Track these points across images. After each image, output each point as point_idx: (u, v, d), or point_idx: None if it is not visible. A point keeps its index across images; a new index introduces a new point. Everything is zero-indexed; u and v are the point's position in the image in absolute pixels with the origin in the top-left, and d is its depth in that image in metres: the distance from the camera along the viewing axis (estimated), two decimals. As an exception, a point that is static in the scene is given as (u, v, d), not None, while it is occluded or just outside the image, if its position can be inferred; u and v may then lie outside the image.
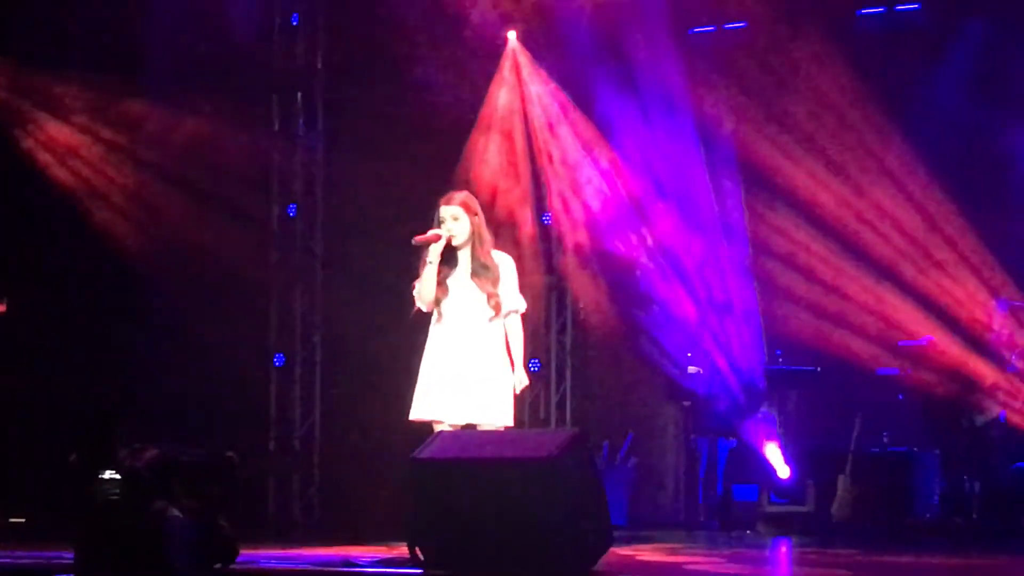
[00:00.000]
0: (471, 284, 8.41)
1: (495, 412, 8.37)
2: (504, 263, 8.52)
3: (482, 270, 8.43)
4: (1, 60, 12.60)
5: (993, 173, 12.24)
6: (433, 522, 7.55)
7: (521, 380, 8.49)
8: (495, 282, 8.43)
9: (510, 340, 8.49)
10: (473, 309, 8.41)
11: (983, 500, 11.40)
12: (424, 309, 8.47)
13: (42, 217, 12.48)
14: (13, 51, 12.54)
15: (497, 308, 8.41)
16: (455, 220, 8.43)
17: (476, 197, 8.65)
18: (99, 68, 12.71)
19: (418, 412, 8.43)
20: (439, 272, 8.38)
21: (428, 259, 8.36)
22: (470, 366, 8.35)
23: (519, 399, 8.60)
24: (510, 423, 8.43)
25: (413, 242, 8.40)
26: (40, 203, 12.51)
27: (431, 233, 8.39)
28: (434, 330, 8.49)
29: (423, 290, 8.39)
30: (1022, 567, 9.28)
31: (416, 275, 8.45)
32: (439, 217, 8.44)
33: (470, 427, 8.34)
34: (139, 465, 7.36)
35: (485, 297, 8.40)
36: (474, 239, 8.45)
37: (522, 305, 8.54)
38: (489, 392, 8.36)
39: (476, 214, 8.49)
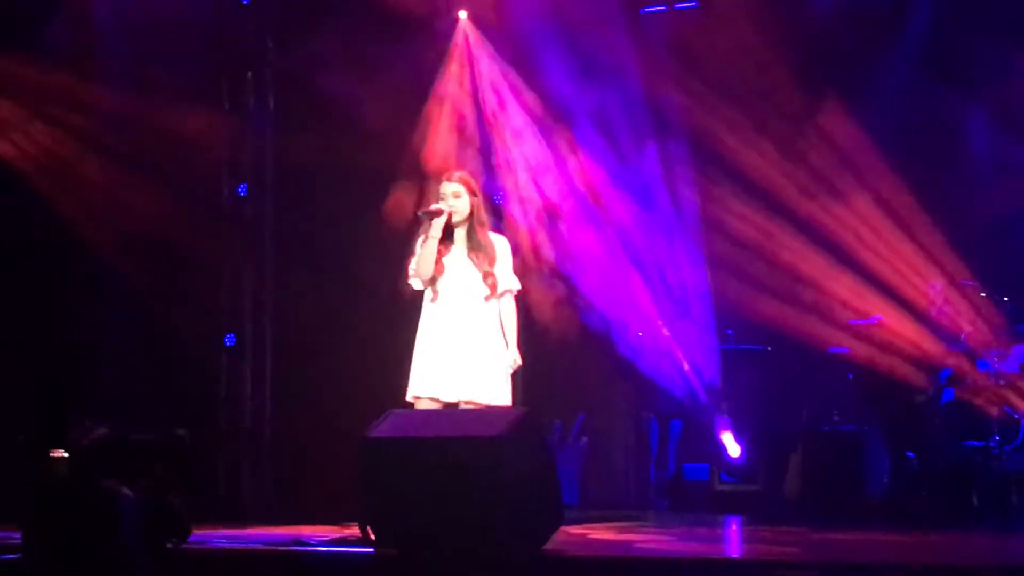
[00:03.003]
0: (467, 262, 8.46)
1: (492, 391, 8.42)
2: (500, 243, 8.57)
3: (478, 248, 8.47)
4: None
5: (944, 152, 12.32)
6: (384, 501, 7.57)
7: (515, 360, 8.54)
8: (491, 261, 8.48)
9: (504, 319, 8.55)
10: (469, 288, 8.45)
11: (934, 479, 11.48)
12: (418, 287, 8.48)
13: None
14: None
15: (493, 287, 8.46)
16: (456, 197, 8.49)
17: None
18: (46, 46, 12.62)
19: (415, 391, 8.45)
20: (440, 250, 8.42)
21: (431, 233, 8.38)
22: (467, 345, 8.39)
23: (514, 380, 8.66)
24: (507, 402, 8.48)
25: (418, 214, 8.45)
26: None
27: (435, 207, 8.41)
28: (429, 309, 8.51)
29: (422, 265, 8.41)
30: (969, 544, 9.36)
31: (410, 252, 8.46)
32: (440, 193, 8.48)
33: (467, 404, 8.36)
34: (88, 444, 7.35)
35: (481, 276, 8.44)
36: (472, 218, 8.49)
37: (517, 285, 8.61)
38: (486, 371, 8.42)
39: (476, 194, 8.55)
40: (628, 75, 12.50)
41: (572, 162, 12.79)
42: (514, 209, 12.83)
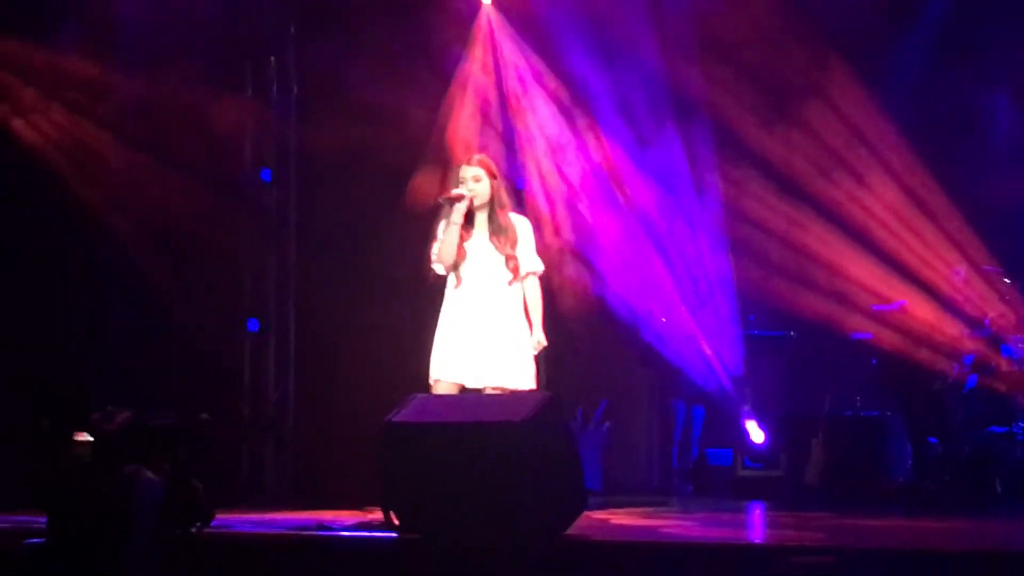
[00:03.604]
0: (489, 246, 8.42)
1: (517, 376, 8.40)
2: (521, 225, 8.54)
3: (500, 232, 8.44)
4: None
5: (968, 137, 12.28)
6: (407, 486, 7.57)
7: (540, 342, 8.52)
8: (513, 244, 8.45)
9: (528, 302, 8.52)
10: (492, 272, 8.42)
11: (957, 464, 11.45)
12: (442, 272, 8.46)
13: (10, 184, 12.40)
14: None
15: (516, 271, 8.42)
16: (476, 181, 8.46)
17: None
18: (67, 32, 12.63)
19: (438, 374, 8.43)
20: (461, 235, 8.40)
21: (452, 219, 8.35)
22: (491, 329, 8.37)
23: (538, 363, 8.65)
24: (532, 386, 8.46)
25: (440, 200, 8.42)
26: (6, 170, 12.42)
27: (455, 193, 8.38)
28: (452, 294, 8.49)
29: (444, 251, 8.37)
30: (992, 530, 9.34)
31: (432, 236, 8.44)
32: (460, 178, 8.45)
33: (493, 391, 8.35)
34: (111, 428, 7.37)
35: (503, 259, 8.41)
36: (493, 201, 8.46)
37: (540, 267, 8.56)
38: (510, 355, 8.40)
39: (495, 176, 8.52)
40: (650, 59, 12.47)
41: (594, 146, 12.77)
42: (536, 193, 12.82)
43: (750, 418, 12.58)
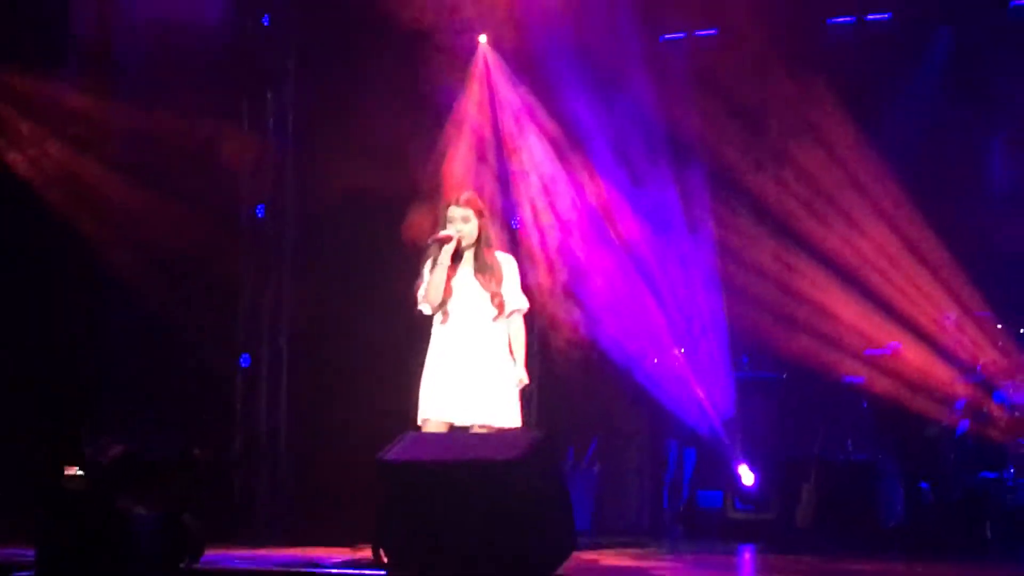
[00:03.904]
0: (474, 283, 8.41)
1: (503, 413, 8.37)
2: (507, 262, 8.54)
3: (486, 269, 8.43)
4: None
5: (962, 182, 12.31)
6: (398, 523, 7.55)
7: (522, 379, 8.51)
8: (499, 281, 8.43)
9: (512, 339, 8.51)
10: (477, 309, 8.41)
11: (948, 509, 11.45)
12: (429, 312, 8.46)
13: (7, 217, 12.41)
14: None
15: (501, 307, 8.41)
16: (465, 221, 8.44)
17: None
18: (66, 66, 12.67)
19: (426, 413, 8.42)
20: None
21: (440, 260, 8.33)
22: (478, 367, 8.35)
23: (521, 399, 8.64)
24: (518, 423, 8.45)
25: (428, 242, 8.41)
26: (3, 203, 12.44)
27: (444, 234, 8.39)
28: (439, 331, 8.47)
29: (432, 293, 8.36)
30: (981, 575, 9.33)
31: (418, 276, 8.44)
32: (448, 217, 8.45)
33: (481, 428, 8.34)
34: (104, 462, 7.37)
35: (489, 296, 8.41)
36: (480, 239, 8.47)
37: (524, 304, 8.56)
38: (497, 393, 8.37)
39: (483, 214, 8.51)
40: (647, 101, 12.51)
41: (589, 186, 12.79)
42: (530, 232, 12.84)
43: (741, 460, 12.58)
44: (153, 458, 7.67)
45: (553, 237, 12.86)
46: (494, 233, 8.69)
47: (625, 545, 10.97)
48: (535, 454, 7.41)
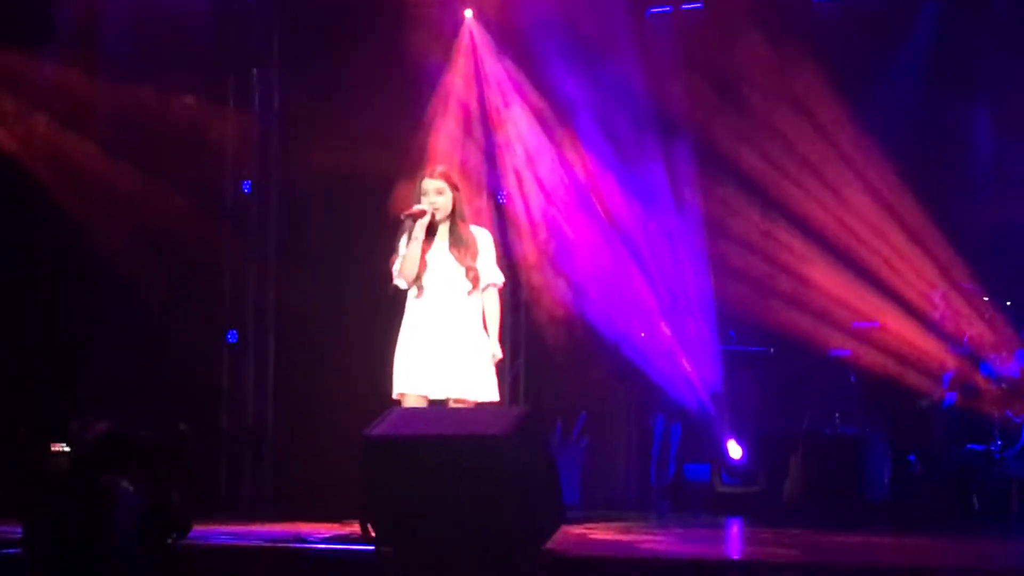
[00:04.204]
0: (449, 257, 8.40)
1: (480, 387, 8.38)
2: (482, 236, 8.52)
3: (461, 243, 8.41)
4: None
5: (949, 157, 12.31)
6: (384, 499, 7.55)
7: (495, 354, 8.50)
8: (474, 255, 8.42)
9: (487, 313, 8.50)
10: (452, 283, 8.40)
11: (934, 482, 11.47)
12: (404, 286, 8.44)
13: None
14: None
15: (475, 281, 8.40)
16: (439, 194, 8.42)
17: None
18: (52, 42, 12.61)
19: (401, 387, 8.40)
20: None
21: (414, 234, 8.31)
22: (453, 340, 8.34)
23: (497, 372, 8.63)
24: (496, 397, 8.44)
25: (402, 216, 8.38)
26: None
27: (417, 208, 8.36)
28: (413, 305, 8.45)
29: (407, 267, 8.34)
30: (969, 548, 9.34)
31: (393, 251, 8.42)
32: (422, 189, 8.42)
33: (457, 402, 8.33)
34: (89, 438, 7.33)
35: (464, 270, 8.38)
36: (455, 213, 8.44)
37: (500, 278, 8.54)
38: (473, 367, 8.37)
39: (457, 188, 8.49)
40: (633, 75, 12.48)
41: (576, 161, 12.77)
42: (517, 207, 12.82)
43: (728, 434, 12.58)
44: (138, 434, 7.64)
45: (539, 211, 12.84)
46: (470, 207, 8.67)
47: (613, 519, 10.97)
48: (523, 429, 7.41)
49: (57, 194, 12.43)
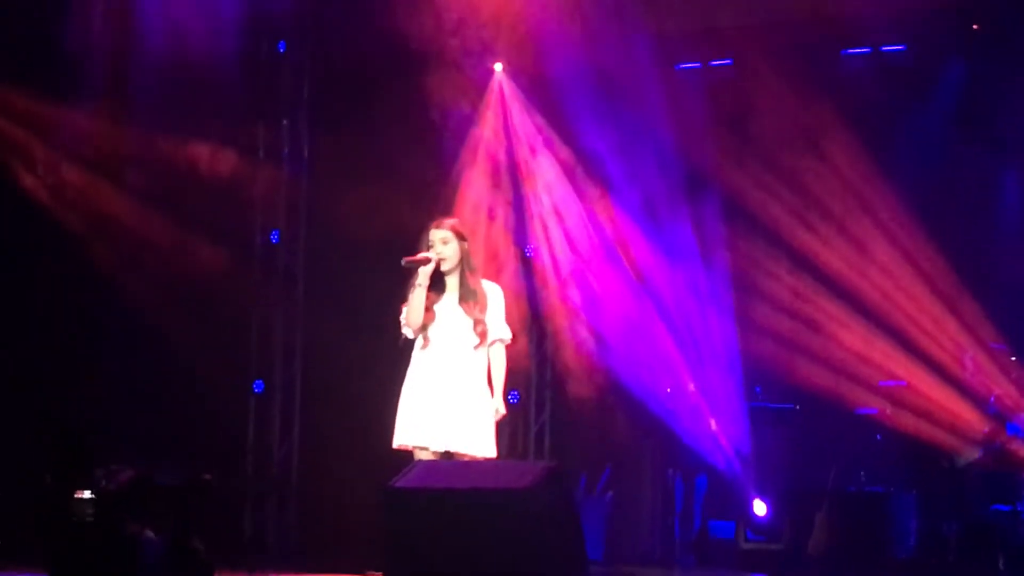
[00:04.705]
0: (458, 310, 8.36)
1: (479, 442, 8.31)
2: (492, 291, 8.48)
3: (470, 296, 8.38)
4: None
5: (976, 214, 12.28)
6: (408, 551, 7.51)
7: (499, 410, 8.45)
8: (482, 309, 8.38)
9: (492, 369, 8.42)
10: (459, 335, 8.35)
11: (960, 541, 11.39)
12: (410, 335, 8.41)
13: (19, 238, 12.41)
14: (5, 77, 12.51)
15: (483, 336, 8.35)
16: (444, 244, 8.39)
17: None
18: (83, 92, 12.69)
19: (401, 439, 8.37)
20: (427, 297, 8.34)
21: (417, 282, 8.30)
22: (455, 394, 8.29)
23: (497, 430, 8.57)
24: (493, 454, 8.39)
25: (403, 263, 8.36)
26: (18, 222, 12.44)
27: (421, 255, 8.36)
28: (418, 356, 8.42)
29: (411, 314, 8.32)
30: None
31: (404, 300, 8.41)
32: (428, 240, 8.42)
33: (452, 456, 8.29)
34: (114, 486, 7.34)
35: (472, 323, 8.36)
36: (463, 264, 8.42)
37: (507, 334, 8.48)
38: (473, 422, 8.30)
39: (465, 239, 8.46)
40: (662, 130, 12.48)
41: (604, 215, 12.77)
42: (544, 260, 12.82)
43: (754, 491, 12.52)
44: (163, 482, 7.64)
45: (566, 264, 12.84)
46: (479, 260, 8.64)
47: (637, 574, 10.91)
48: (547, 482, 7.37)
49: (86, 242, 12.48)
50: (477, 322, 8.34)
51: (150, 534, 7.16)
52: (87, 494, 7.70)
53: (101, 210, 12.74)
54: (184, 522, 7.44)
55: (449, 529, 7.33)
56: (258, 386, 13.00)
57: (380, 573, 7.69)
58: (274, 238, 13.22)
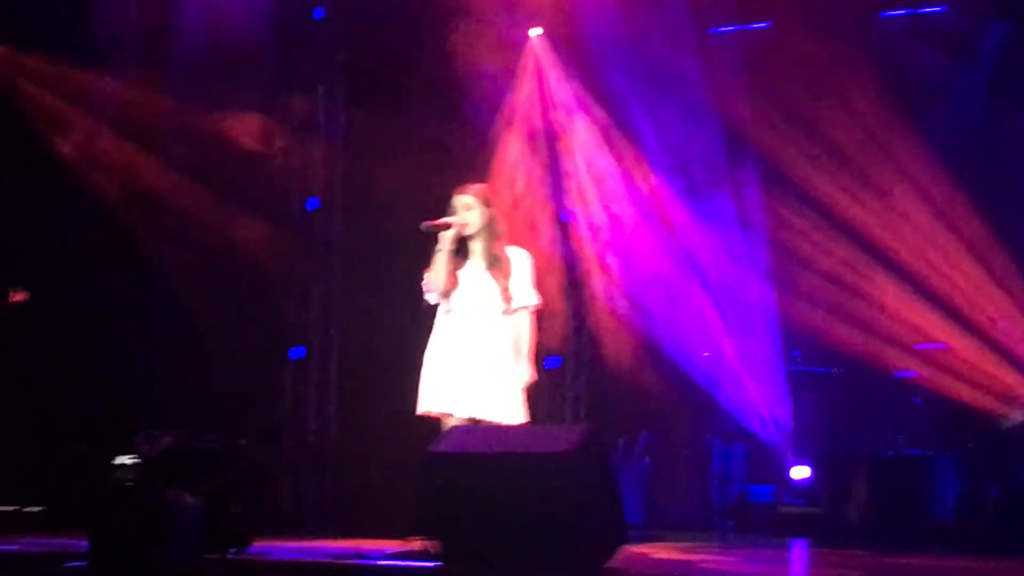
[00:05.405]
0: (485, 276, 8.35)
1: (505, 408, 8.29)
2: (518, 257, 8.45)
3: (495, 262, 8.36)
4: (33, 55, 12.63)
5: (1016, 177, 12.18)
6: (447, 516, 7.52)
7: (526, 375, 8.42)
8: (507, 275, 8.35)
9: (519, 335, 8.41)
10: (484, 302, 8.34)
11: (1001, 505, 11.35)
12: (433, 301, 8.40)
13: (61, 210, 12.46)
14: (43, 46, 12.54)
15: (508, 301, 8.33)
16: (468, 209, 8.37)
17: (497, 194, 8.59)
18: (120, 62, 12.71)
19: (426, 405, 8.37)
20: (452, 263, 8.32)
21: (439, 247, 8.29)
22: (480, 360, 8.28)
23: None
24: (521, 420, 8.37)
25: (422, 228, 8.34)
26: (59, 196, 12.48)
27: (441, 220, 8.34)
28: (442, 321, 8.41)
29: (433, 279, 8.32)
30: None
31: (427, 265, 8.39)
32: (452, 206, 8.41)
33: (479, 423, 8.28)
34: (154, 452, 7.37)
35: (497, 290, 8.33)
36: (487, 230, 8.39)
37: (534, 300, 8.45)
38: (499, 387, 8.29)
39: (489, 205, 8.43)
40: (700, 95, 12.43)
41: (641, 181, 12.73)
42: (581, 226, 12.80)
43: (793, 455, 12.50)
44: (201, 448, 7.66)
45: (603, 230, 12.81)
46: (504, 225, 8.58)
47: (676, 539, 10.91)
48: (585, 447, 7.37)
49: (123, 211, 12.52)
50: (503, 288, 8.32)
51: (189, 499, 7.18)
52: (127, 459, 7.74)
53: (137, 180, 12.77)
54: (222, 488, 7.47)
55: (487, 494, 7.34)
56: (295, 353, 13.01)
57: (422, 538, 7.69)
58: (311, 205, 13.22)
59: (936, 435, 12.06)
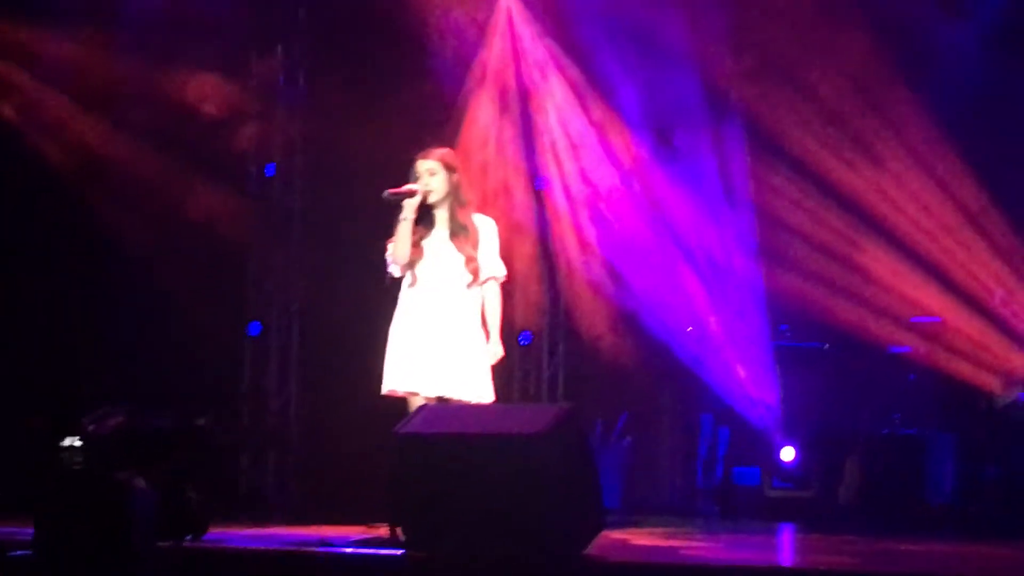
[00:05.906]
0: (449, 246, 8.32)
1: (473, 387, 8.29)
2: (484, 225, 8.42)
3: (460, 231, 8.33)
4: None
5: (1016, 140, 12.19)
6: (415, 500, 7.51)
7: (495, 352, 8.41)
8: (474, 244, 8.33)
9: (487, 308, 8.40)
10: (450, 274, 8.31)
11: (1000, 486, 11.39)
12: (397, 273, 8.37)
13: (9, 179, 12.39)
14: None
15: (475, 273, 8.31)
16: (431, 175, 8.34)
17: (466, 158, 8.56)
18: (68, 21, 12.62)
19: (391, 384, 8.35)
20: (415, 232, 8.28)
21: (403, 215, 8.25)
22: (446, 336, 8.26)
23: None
24: (489, 399, 8.36)
25: (384, 196, 8.30)
26: (4, 163, 12.42)
27: (405, 188, 8.30)
28: (407, 295, 8.38)
29: (397, 249, 8.28)
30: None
31: (391, 235, 8.35)
32: (415, 172, 8.36)
33: (446, 402, 8.26)
34: (103, 432, 7.33)
35: (463, 260, 8.30)
36: (452, 197, 8.35)
37: (501, 271, 8.44)
38: (467, 365, 8.29)
39: (454, 170, 8.39)
40: (680, 53, 12.39)
41: (619, 145, 12.69)
42: (556, 194, 12.76)
43: (780, 435, 12.52)
44: (155, 428, 7.63)
45: (580, 197, 12.78)
46: (471, 193, 8.55)
47: (657, 524, 10.93)
48: (560, 427, 7.36)
49: (70, 178, 12.45)
50: (469, 259, 8.30)
51: (141, 483, 7.14)
52: (74, 441, 7.70)
53: (86, 144, 12.69)
54: (178, 471, 7.44)
55: (458, 477, 7.34)
56: (254, 328, 12.96)
57: (387, 525, 7.68)
58: (269, 172, 13.15)
59: (932, 413, 12.09)
